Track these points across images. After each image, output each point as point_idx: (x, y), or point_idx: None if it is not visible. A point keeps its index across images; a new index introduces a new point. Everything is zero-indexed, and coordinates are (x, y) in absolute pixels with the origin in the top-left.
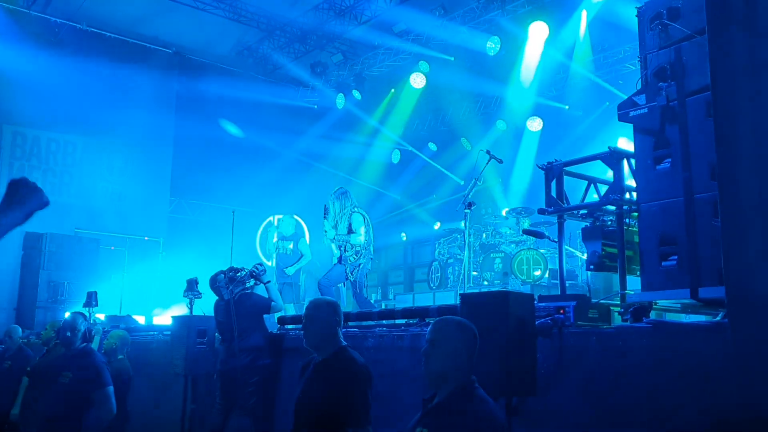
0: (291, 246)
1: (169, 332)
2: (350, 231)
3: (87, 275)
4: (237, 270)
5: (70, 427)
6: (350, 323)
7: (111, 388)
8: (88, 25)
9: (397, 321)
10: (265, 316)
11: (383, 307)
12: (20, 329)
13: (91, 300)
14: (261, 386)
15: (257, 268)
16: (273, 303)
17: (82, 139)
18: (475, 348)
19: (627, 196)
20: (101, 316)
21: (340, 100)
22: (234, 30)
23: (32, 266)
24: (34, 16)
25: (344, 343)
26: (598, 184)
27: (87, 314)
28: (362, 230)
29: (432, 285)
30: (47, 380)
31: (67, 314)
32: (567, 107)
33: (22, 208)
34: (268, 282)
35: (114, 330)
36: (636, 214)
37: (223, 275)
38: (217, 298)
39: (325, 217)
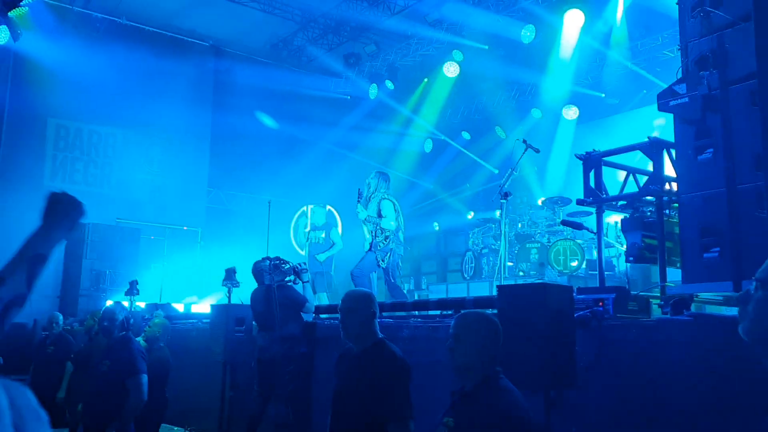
0: (323, 235)
1: (208, 320)
2: (379, 215)
3: (128, 264)
4: (283, 261)
5: (110, 412)
6: (384, 313)
7: (144, 376)
8: (127, 19)
9: (432, 312)
10: None
11: (416, 297)
12: (62, 316)
13: (132, 288)
14: (298, 374)
15: (300, 266)
16: (307, 303)
17: (122, 131)
18: (498, 340)
19: (667, 186)
20: (142, 304)
21: (373, 91)
22: (269, 22)
23: (75, 255)
24: (77, 11)
25: (381, 335)
26: (637, 175)
27: (129, 302)
28: (391, 216)
29: (466, 275)
30: (89, 367)
31: (109, 302)
32: (603, 95)
33: (65, 221)
34: (307, 282)
35: (155, 318)
36: (676, 205)
37: (268, 261)
38: (254, 288)
39: (359, 200)
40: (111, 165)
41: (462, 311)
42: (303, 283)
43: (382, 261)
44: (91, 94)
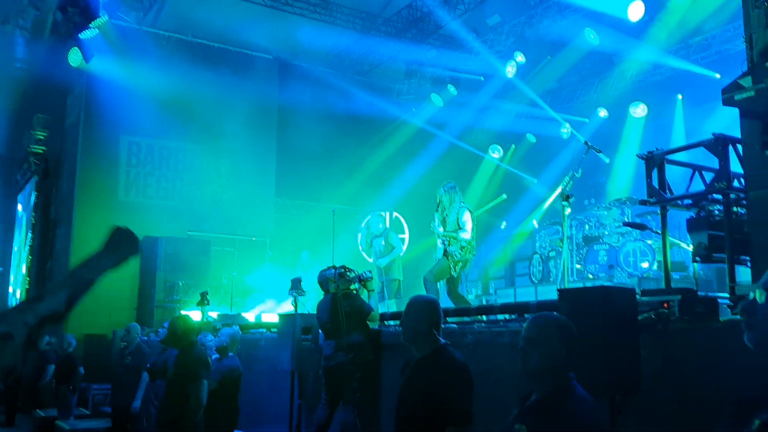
0: (383, 242)
1: (276, 330)
2: (458, 226)
3: (199, 275)
4: (348, 270)
5: (176, 418)
6: (449, 319)
7: (203, 382)
8: (193, 36)
9: (499, 316)
10: None
11: (484, 302)
12: (139, 327)
13: (204, 299)
14: (364, 382)
15: (365, 275)
16: (372, 312)
17: (191, 146)
18: (573, 346)
19: (735, 183)
20: (214, 315)
21: (436, 99)
22: (330, 32)
23: (150, 268)
24: (144, 31)
25: (443, 341)
26: (704, 172)
27: (201, 313)
28: (469, 227)
29: (534, 279)
30: (161, 376)
31: (183, 312)
32: (718, 76)
33: (118, 255)
34: (372, 290)
35: (225, 328)
36: (745, 202)
37: (334, 269)
38: (320, 298)
39: (436, 210)
40: (182, 179)
41: (537, 313)
42: (369, 291)
43: (454, 270)
44: (161, 110)
